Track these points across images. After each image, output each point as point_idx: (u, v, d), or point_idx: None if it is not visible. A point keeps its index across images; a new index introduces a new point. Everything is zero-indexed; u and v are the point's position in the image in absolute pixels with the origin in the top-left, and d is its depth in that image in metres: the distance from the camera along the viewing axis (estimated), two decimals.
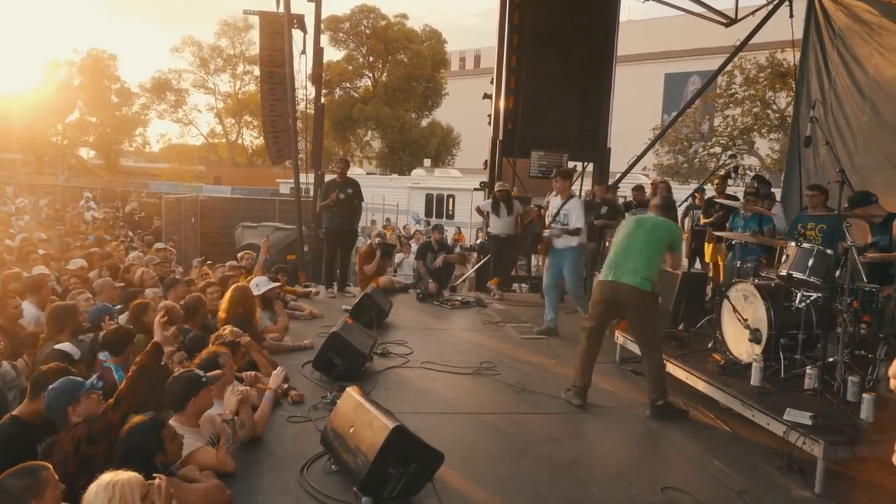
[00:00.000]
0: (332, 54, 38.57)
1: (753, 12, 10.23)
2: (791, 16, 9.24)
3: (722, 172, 12.10)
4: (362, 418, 3.27)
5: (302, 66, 10.60)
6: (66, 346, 3.74)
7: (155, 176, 43.01)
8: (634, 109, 32.16)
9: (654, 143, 13.44)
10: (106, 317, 4.69)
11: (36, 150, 40.05)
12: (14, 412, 3.13)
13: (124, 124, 44.87)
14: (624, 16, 10.28)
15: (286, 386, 4.45)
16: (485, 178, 10.24)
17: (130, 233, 14.35)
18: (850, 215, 4.85)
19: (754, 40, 10.62)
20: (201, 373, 3.37)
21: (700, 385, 4.63)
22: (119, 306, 5.41)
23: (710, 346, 5.28)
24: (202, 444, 3.16)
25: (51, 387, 2.99)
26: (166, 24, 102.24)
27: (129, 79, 58.70)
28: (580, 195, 9.09)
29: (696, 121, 27.55)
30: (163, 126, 76.09)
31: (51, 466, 2.33)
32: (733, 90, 25.34)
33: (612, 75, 9.77)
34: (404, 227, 19.50)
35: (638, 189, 8.81)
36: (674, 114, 14.21)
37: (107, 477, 2.26)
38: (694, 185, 13.57)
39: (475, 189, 11.61)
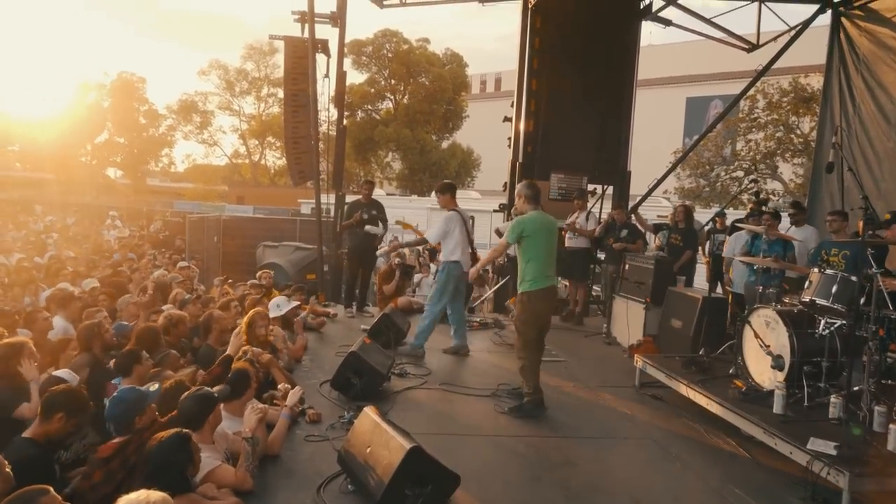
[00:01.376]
0: (355, 77, 39.25)
1: (776, 38, 10.24)
2: (805, 34, 9.14)
3: (747, 197, 12.01)
4: (379, 438, 3.28)
5: (325, 89, 10.81)
6: (63, 372, 3.80)
7: (179, 195, 43.74)
8: (656, 133, 32.10)
9: (674, 166, 13.40)
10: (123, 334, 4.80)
11: (66, 170, 41.11)
12: (26, 435, 3.10)
13: (151, 145, 45.92)
14: (645, 40, 10.36)
15: (303, 405, 4.48)
16: (504, 200, 10.27)
17: (154, 252, 14.59)
18: (873, 242, 4.77)
19: (777, 65, 10.62)
20: (210, 390, 3.43)
21: (721, 412, 4.55)
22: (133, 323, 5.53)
23: (731, 371, 5.20)
24: (220, 462, 3.19)
25: (117, 397, 3.17)
26: (194, 47, 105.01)
27: (157, 101, 60.29)
28: (598, 217, 9.09)
29: (718, 145, 27.38)
30: (188, 147, 77.96)
31: (51, 489, 2.28)
32: (756, 115, 25.19)
33: (632, 99, 9.81)
34: (424, 248, 19.51)
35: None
36: (695, 137, 14.17)
37: (139, 498, 2.22)
38: (715, 209, 13.47)
39: (494, 211, 11.65)
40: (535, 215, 4.96)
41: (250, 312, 5.26)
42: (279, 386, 4.51)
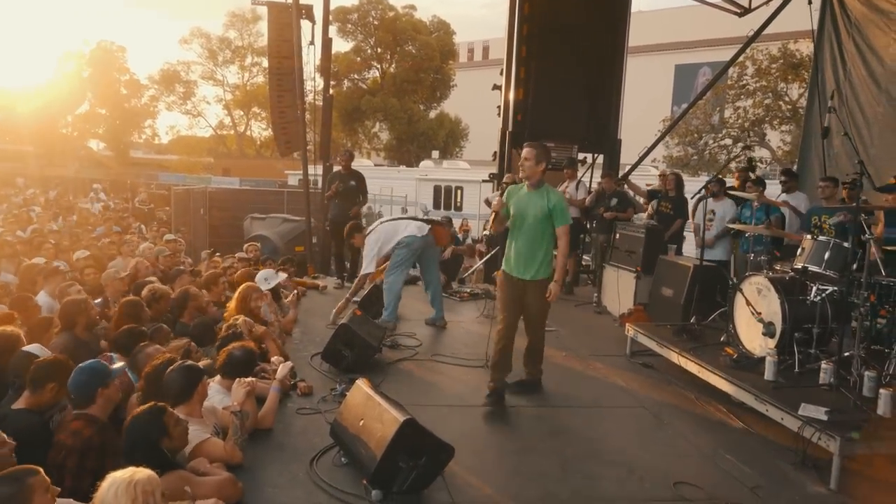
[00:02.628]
0: (341, 46, 38.48)
1: (767, 1, 10.07)
2: (810, 2, 9.07)
3: (736, 165, 11.98)
4: (372, 411, 3.25)
5: (310, 58, 10.55)
6: (34, 347, 3.70)
7: (164, 167, 43.15)
8: (644, 100, 31.83)
9: (664, 135, 13.32)
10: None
11: (46, 142, 40.26)
12: (19, 405, 3.11)
13: (133, 116, 44.96)
14: (634, 7, 10.14)
15: (295, 378, 4.45)
16: (493, 170, 10.16)
17: (141, 225, 14.39)
18: (867, 207, 4.76)
19: (767, 31, 10.47)
20: (198, 364, 3.37)
21: (712, 379, 4.58)
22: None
23: (722, 339, 5.22)
24: (208, 436, 3.15)
25: (81, 366, 3.05)
26: (175, 15, 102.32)
27: (139, 71, 58.93)
28: (588, 187, 9.04)
29: (707, 112, 27.25)
30: (172, 118, 76.43)
31: (41, 471, 2.22)
32: (745, 81, 25.05)
33: (623, 66, 9.65)
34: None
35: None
36: (684, 105, 14.08)
37: (123, 476, 2.17)
38: (705, 177, 13.45)
39: (483, 181, 11.57)
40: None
41: (243, 286, 5.19)
42: (272, 359, 4.47)
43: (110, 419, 3.07)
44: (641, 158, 11.26)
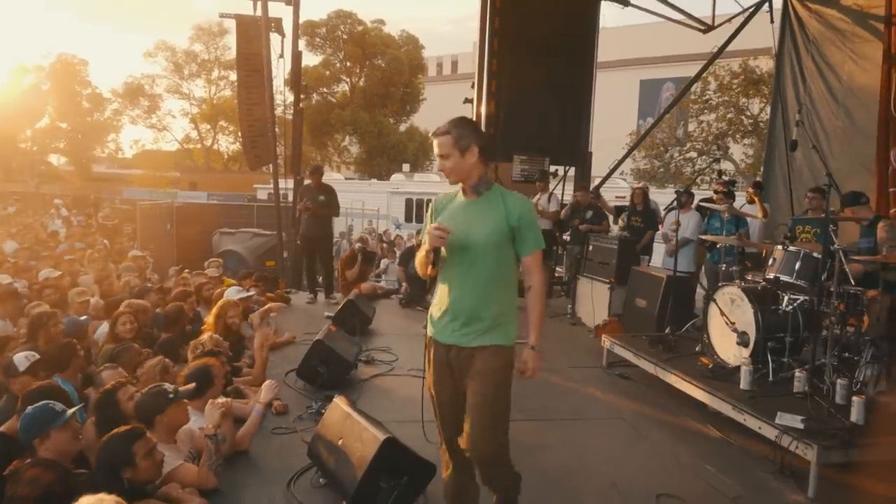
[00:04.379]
0: (309, 59, 38.27)
1: (730, 19, 10.37)
2: (772, 21, 9.37)
3: (711, 178, 12.22)
4: (351, 430, 3.17)
5: (279, 71, 10.47)
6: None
7: (128, 182, 42.16)
8: (610, 115, 32.37)
9: (633, 148, 13.56)
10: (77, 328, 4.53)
11: (4, 157, 39.06)
12: (2, 429, 3.02)
13: (96, 130, 43.96)
14: (600, 22, 10.34)
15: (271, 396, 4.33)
16: None
17: (105, 241, 13.99)
18: (839, 218, 4.89)
19: (728, 48, 10.78)
20: (170, 387, 3.19)
21: (689, 389, 4.61)
22: (85, 317, 5.27)
23: (697, 349, 5.28)
24: (181, 461, 3.02)
25: (27, 410, 2.76)
26: (139, 28, 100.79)
27: (101, 84, 57.70)
28: (560, 199, 9.12)
29: (672, 126, 27.90)
30: (136, 132, 75.06)
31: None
32: (707, 96, 25.73)
33: (592, 79, 9.82)
34: (385, 233, 19.37)
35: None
36: (650, 119, 14.36)
37: (88, 501, 2.04)
38: (671, 189, 13.69)
39: None
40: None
41: (220, 302, 5.08)
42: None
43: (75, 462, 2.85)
44: (612, 171, 11.44)
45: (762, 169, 10.18)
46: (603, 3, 10.01)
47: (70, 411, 2.81)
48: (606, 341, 5.82)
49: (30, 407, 2.78)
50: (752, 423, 3.92)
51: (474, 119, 9.77)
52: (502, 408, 2.67)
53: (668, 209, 8.65)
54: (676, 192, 7.71)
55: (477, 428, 2.62)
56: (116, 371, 3.69)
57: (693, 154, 26.81)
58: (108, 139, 46.55)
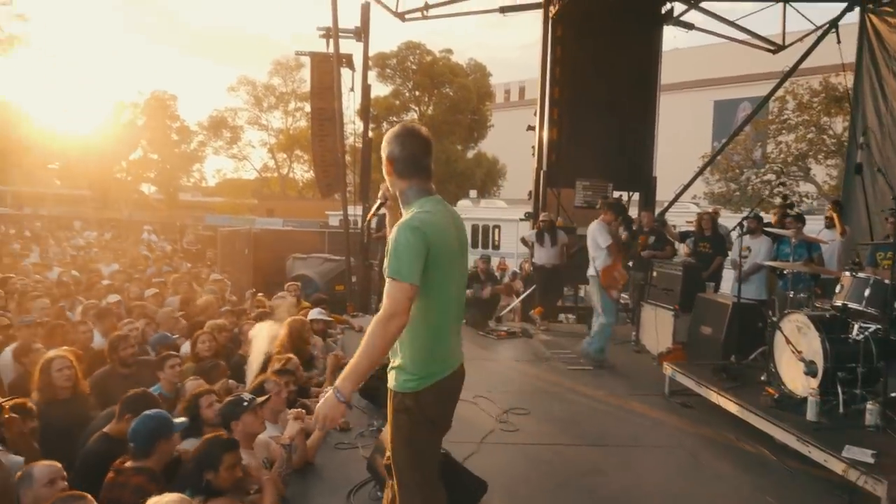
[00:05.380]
0: (380, 90, 39.66)
1: (802, 38, 10.10)
2: (839, 42, 9.06)
3: (779, 200, 11.80)
4: None
5: (350, 102, 11.02)
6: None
7: (211, 209, 44.72)
8: (682, 137, 31.70)
9: (701, 170, 13.24)
10: (165, 345, 4.95)
11: (103, 187, 42.39)
12: (105, 430, 3.35)
13: (183, 161, 47.08)
14: (671, 44, 10.32)
15: None
16: (530, 209, 10.29)
17: (188, 264, 14.94)
18: None
19: (806, 65, 10.46)
20: (246, 397, 3.49)
21: (753, 419, 4.49)
22: (176, 335, 5.71)
23: (763, 378, 5.12)
24: (252, 466, 3.27)
25: (145, 415, 3.02)
26: (223, 64, 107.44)
27: (189, 117, 61.83)
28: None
29: (748, 148, 26.96)
30: (218, 162, 79.66)
31: (88, 496, 2.40)
32: (786, 116, 24.75)
33: (656, 104, 9.77)
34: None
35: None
36: (724, 141, 13.97)
37: (151, 501, 2.34)
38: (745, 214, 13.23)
39: (520, 219, 11.67)
40: (434, 210, 2.35)
41: (291, 320, 5.40)
42: (321, 393, 4.56)
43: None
44: (678, 195, 11.24)
45: (842, 191, 9.77)
46: (668, 26, 10.00)
47: (178, 422, 3.12)
48: (668, 369, 5.74)
49: (147, 413, 3.05)
50: (817, 455, 3.78)
51: (536, 146, 9.92)
52: (399, 457, 2.38)
53: (739, 234, 8.46)
54: (744, 217, 7.54)
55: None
56: (198, 382, 4.02)
57: (771, 176, 25.74)
58: (193, 169, 49.74)
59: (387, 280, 2.19)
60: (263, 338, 4.90)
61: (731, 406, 4.76)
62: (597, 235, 6.66)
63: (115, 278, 9.33)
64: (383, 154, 2.40)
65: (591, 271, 6.70)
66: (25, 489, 2.60)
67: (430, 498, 2.40)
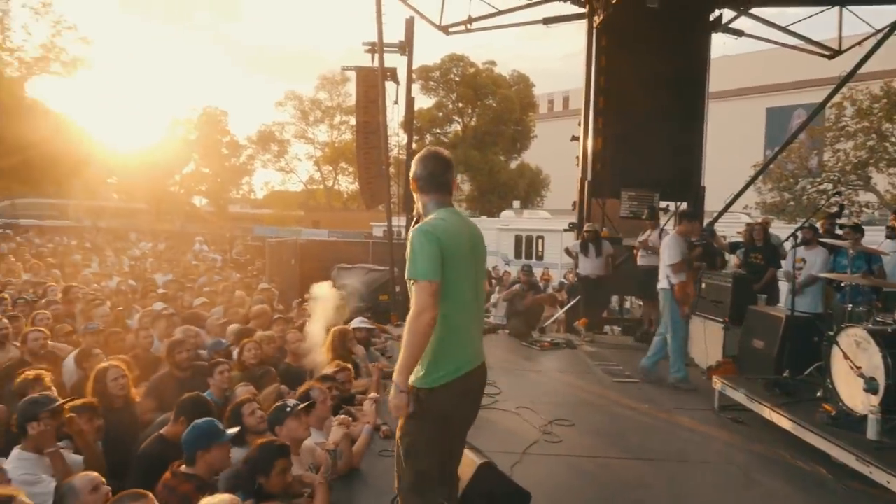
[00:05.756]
0: (423, 102, 40.14)
1: (860, 42, 9.73)
2: None
3: (833, 210, 11.36)
4: None
5: (394, 115, 11.17)
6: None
7: (259, 221, 45.89)
8: (734, 145, 30.92)
9: (752, 180, 12.84)
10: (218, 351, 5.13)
11: (157, 199, 44.11)
12: (161, 431, 3.50)
13: (233, 174, 48.62)
14: (720, 51, 10.11)
15: (379, 422, 4.61)
16: (574, 219, 10.20)
17: (237, 274, 15.35)
18: None
19: (866, 69, 10.06)
20: (290, 402, 3.58)
21: (808, 437, 4.33)
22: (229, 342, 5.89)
23: (819, 395, 4.93)
24: (302, 472, 3.34)
25: (195, 423, 3.10)
26: (273, 80, 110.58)
27: (238, 132, 63.97)
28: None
29: (803, 156, 26.07)
30: (266, 174, 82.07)
31: (149, 494, 2.51)
32: (843, 123, 23.85)
33: (704, 112, 9.57)
34: (493, 269, 19.60)
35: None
36: (777, 149, 13.53)
37: (204, 502, 2.45)
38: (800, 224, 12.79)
39: (564, 230, 11.57)
40: (447, 217, 2.59)
41: (334, 329, 5.50)
42: (366, 401, 4.63)
43: None
44: (728, 205, 10.96)
45: None
46: (717, 34, 9.81)
47: (230, 431, 3.15)
48: (718, 383, 5.59)
49: (197, 422, 3.14)
50: (879, 476, 3.62)
51: (581, 155, 9.84)
52: (408, 444, 2.53)
53: (794, 245, 8.20)
54: (798, 227, 7.30)
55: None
56: (247, 389, 4.13)
57: (828, 185, 24.79)
58: (242, 182, 51.25)
59: (408, 284, 2.46)
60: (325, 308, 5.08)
61: (784, 422, 4.61)
62: (667, 250, 6.37)
63: (169, 287, 9.66)
64: (410, 174, 2.70)
65: (662, 284, 6.36)
66: (73, 501, 2.65)
67: (427, 492, 2.52)
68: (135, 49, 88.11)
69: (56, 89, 69.25)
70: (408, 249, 2.47)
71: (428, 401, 2.46)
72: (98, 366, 4.17)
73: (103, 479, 2.78)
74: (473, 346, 2.62)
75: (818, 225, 7.82)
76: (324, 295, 5.63)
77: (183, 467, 3.03)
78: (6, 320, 5.51)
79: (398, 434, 2.57)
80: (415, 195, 2.70)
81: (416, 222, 2.75)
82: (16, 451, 3.10)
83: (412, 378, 2.49)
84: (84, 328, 5.73)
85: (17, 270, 11.91)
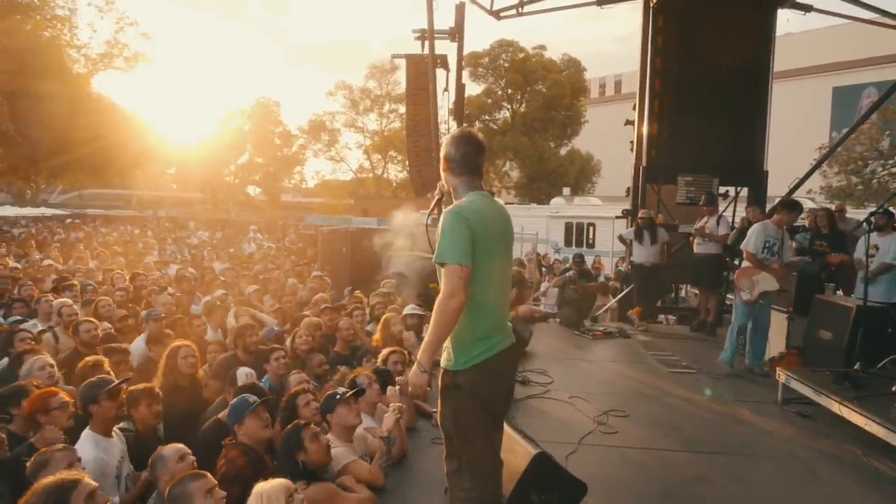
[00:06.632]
0: (472, 89, 39.86)
1: None
2: None
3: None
4: (505, 443, 3.28)
5: (444, 102, 11.12)
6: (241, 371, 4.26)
7: (310, 210, 46.79)
8: (797, 127, 29.54)
9: (818, 165, 12.18)
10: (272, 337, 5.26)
11: (212, 189, 45.50)
12: (219, 415, 3.65)
13: (285, 163, 49.57)
14: (783, 28, 9.59)
15: (431, 410, 4.63)
16: (627, 206, 9.96)
17: (290, 262, 15.68)
18: None
19: None
20: (340, 390, 3.64)
21: (881, 432, 4.10)
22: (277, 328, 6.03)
23: (894, 389, 4.67)
24: (355, 458, 3.38)
25: (231, 403, 3.42)
26: (324, 70, 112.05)
27: (290, 122, 65.27)
28: (731, 222, 8.54)
29: (873, 137, 24.66)
30: (317, 164, 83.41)
31: (208, 475, 2.61)
32: None
33: (767, 93, 9.14)
34: (544, 257, 19.40)
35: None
36: (844, 131, 12.85)
37: (258, 487, 2.54)
38: (872, 209, 12.13)
39: (617, 217, 11.31)
40: (478, 201, 2.56)
41: (385, 316, 5.56)
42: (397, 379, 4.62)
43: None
44: (793, 190, 10.45)
45: None
46: (783, 10, 9.33)
47: (256, 400, 3.33)
48: (782, 375, 5.36)
49: (233, 400, 3.42)
50: None
51: (635, 140, 9.57)
52: (450, 428, 2.55)
53: (867, 231, 7.78)
54: (872, 213, 6.91)
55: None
56: (300, 376, 4.22)
57: None
58: (294, 171, 52.17)
59: (437, 266, 2.45)
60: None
61: (856, 418, 4.37)
62: (752, 235, 6.21)
63: (227, 275, 9.95)
64: (441, 154, 2.65)
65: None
66: (161, 469, 2.86)
67: (479, 475, 2.53)
68: (189, 42, 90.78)
69: (119, 84, 72.29)
70: (438, 231, 2.47)
71: (464, 382, 2.48)
72: (172, 343, 4.39)
73: (189, 451, 2.94)
74: (504, 327, 2.63)
75: (893, 209, 7.37)
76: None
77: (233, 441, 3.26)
78: (76, 307, 5.77)
79: (440, 420, 2.59)
80: (444, 176, 2.65)
81: (437, 204, 2.79)
82: (86, 432, 3.25)
83: (446, 363, 2.52)
84: (147, 314, 5.95)
85: (85, 258, 12.49)
